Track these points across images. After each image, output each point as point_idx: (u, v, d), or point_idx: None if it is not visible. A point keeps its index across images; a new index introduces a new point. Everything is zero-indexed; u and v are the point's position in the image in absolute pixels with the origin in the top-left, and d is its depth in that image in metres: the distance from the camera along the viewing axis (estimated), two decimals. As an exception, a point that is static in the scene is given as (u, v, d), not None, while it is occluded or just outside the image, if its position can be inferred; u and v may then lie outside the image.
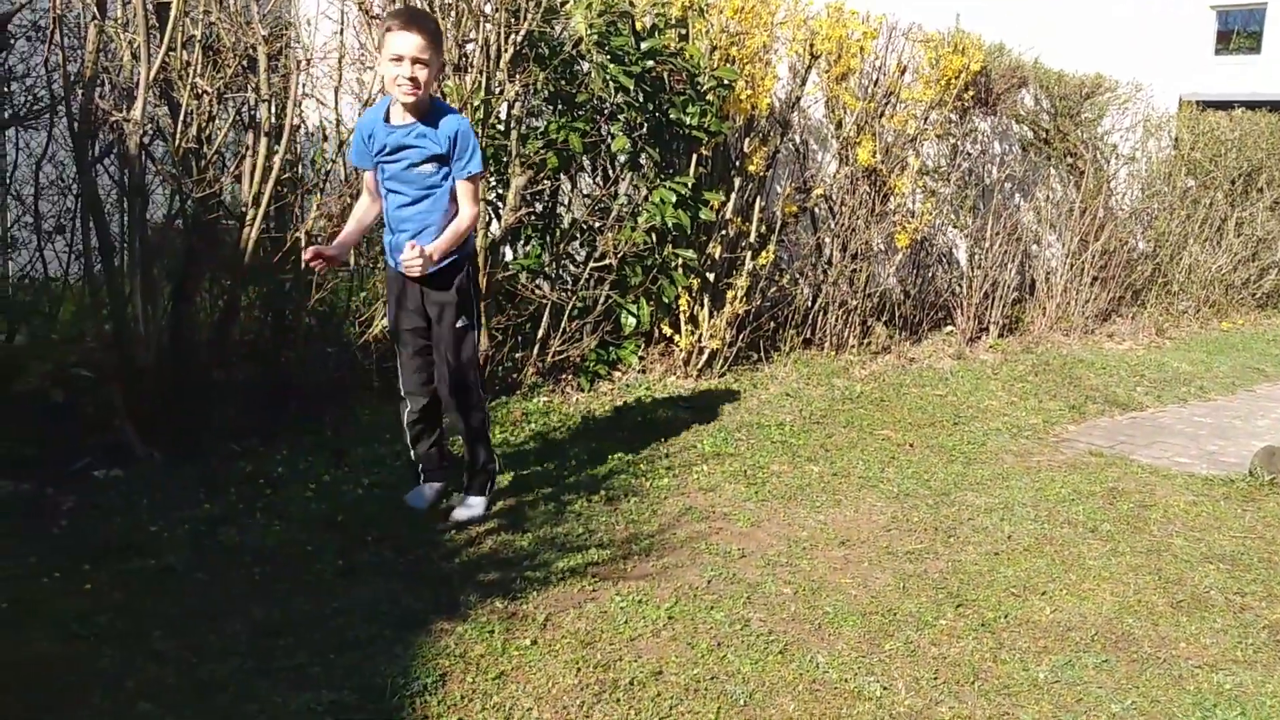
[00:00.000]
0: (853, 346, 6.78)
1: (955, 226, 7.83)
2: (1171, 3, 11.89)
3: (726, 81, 5.59)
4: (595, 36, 5.03)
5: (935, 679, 2.81)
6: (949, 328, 7.54)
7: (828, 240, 6.84)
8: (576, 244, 5.55)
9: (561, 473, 4.21)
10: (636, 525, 3.76)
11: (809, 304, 6.70)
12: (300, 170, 4.77)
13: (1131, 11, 11.29)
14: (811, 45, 6.32)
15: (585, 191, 5.67)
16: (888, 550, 3.70)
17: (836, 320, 6.73)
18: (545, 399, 5.08)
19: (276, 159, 4.28)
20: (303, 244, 4.24)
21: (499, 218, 5.09)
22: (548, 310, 5.23)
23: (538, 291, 5.24)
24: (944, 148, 7.59)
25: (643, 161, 5.55)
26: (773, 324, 6.47)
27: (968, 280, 7.51)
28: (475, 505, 3.70)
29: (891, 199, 6.87)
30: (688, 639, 2.92)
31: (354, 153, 3.52)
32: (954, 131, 7.57)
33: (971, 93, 7.32)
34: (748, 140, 6.03)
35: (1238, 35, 30.26)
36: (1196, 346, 8.30)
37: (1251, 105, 11.36)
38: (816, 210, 6.88)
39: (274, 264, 4.35)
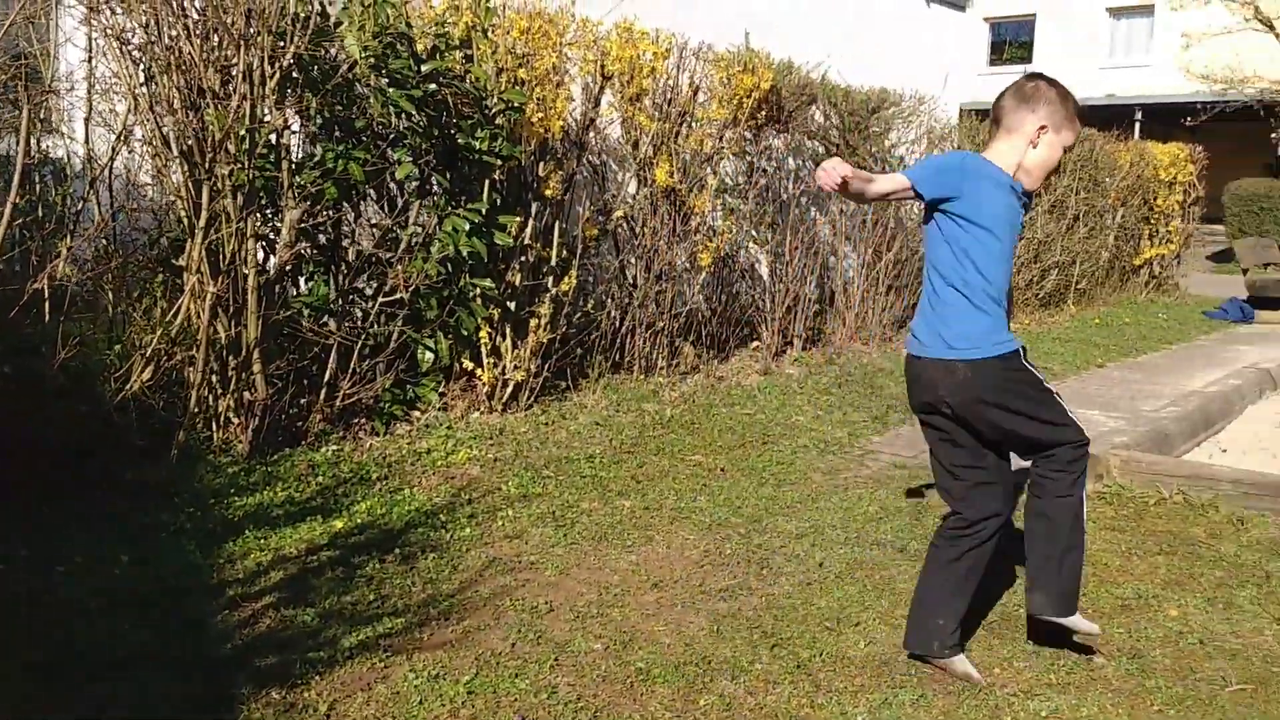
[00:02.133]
0: (662, 368, 6.68)
1: (756, 243, 7.87)
2: (950, 15, 12.39)
3: (516, 104, 5.39)
4: (371, 59, 4.75)
5: (753, 733, 2.67)
6: (755, 343, 7.55)
7: (632, 261, 6.73)
8: (365, 278, 5.23)
9: (352, 531, 3.90)
10: (435, 585, 3.50)
11: (616, 327, 6.57)
12: (42, 211, 4.30)
13: (913, 24, 11.71)
14: (603, 66, 6.19)
15: (372, 221, 5.36)
16: (701, 589, 3.56)
17: (644, 342, 6.62)
18: (335, 447, 4.74)
19: (10, 200, 3.82)
20: (45, 295, 3.80)
21: (273, 253, 4.73)
22: (335, 350, 4.90)
23: (323, 330, 4.90)
24: (741, 165, 7.61)
25: (433, 188, 5.29)
26: (580, 350, 6.30)
27: (770, 295, 7.54)
28: None
29: (693, 218, 6.82)
30: (489, 717, 2.68)
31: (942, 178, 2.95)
32: (749, 149, 7.60)
33: (764, 111, 7.36)
34: (543, 164, 5.85)
35: (1010, 46, 32.28)
36: (989, 349, 8.61)
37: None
38: (619, 232, 6.77)
39: (11, 318, 3.88)
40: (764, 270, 7.92)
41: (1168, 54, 25.34)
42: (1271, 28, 21.69)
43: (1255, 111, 22.55)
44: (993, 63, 31.74)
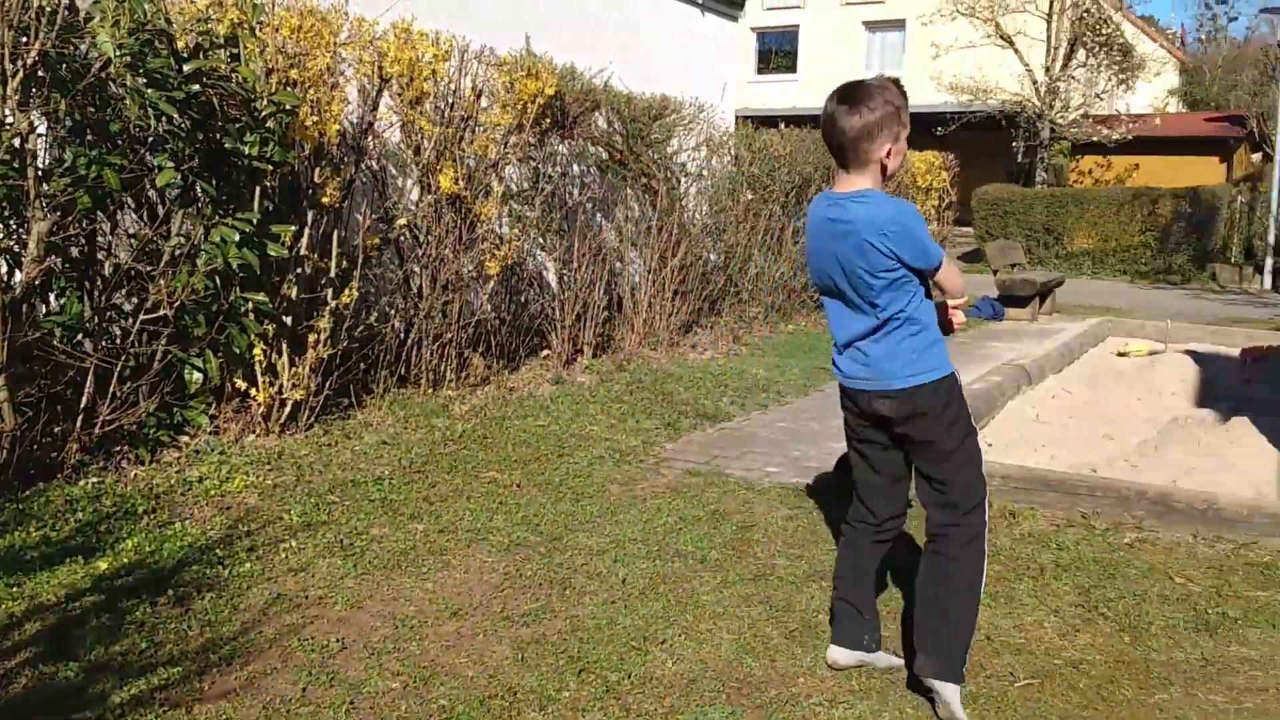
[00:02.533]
0: (451, 381, 6.50)
1: (543, 249, 7.79)
2: (724, 25, 12.69)
3: (288, 106, 5.10)
4: (126, 57, 4.37)
5: (564, 767, 2.58)
6: (545, 352, 7.47)
7: (416, 271, 6.51)
8: (124, 293, 4.82)
9: (118, 571, 3.57)
10: (214, 628, 3.23)
11: (401, 340, 6.34)
12: None
13: (689, 33, 11.93)
14: (380, 68, 5.96)
15: (131, 232, 4.95)
16: (503, 615, 3.44)
17: (432, 354, 6.42)
18: (95, 479, 4.34)
19: None
20: None
21: (20, 268, 4.29)
22: (92, 372, 4.49)
23: (79, 351, 4.47)
24: (526, 171, 7.52)
25: (198, 196, 4.93)
26: (363, 365, 6.04)
27: (560, 302, 7.48)
28: None
29: (479, 225, 6.66)
30: (281, 774, 2.49)
31: None
32: (535, 155, 7.51)
33: (549, 117, 7.29)
34: (318, 170, 5.57)
35: (775, 55, 33.56)
36: (770, 351, 8.85)
37: (793, 120, 12.44)
38: (402, 241, 6.53)
39: None
40: (552, 278, 7.86)
41: (920, 66, 26.93)
42: (1010, 44, 23.40)
43: (998, 121, 24.30)
44: (760, 71, 32.92)
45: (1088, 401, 7.51)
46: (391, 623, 3.36)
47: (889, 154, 2.83)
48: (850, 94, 2.82)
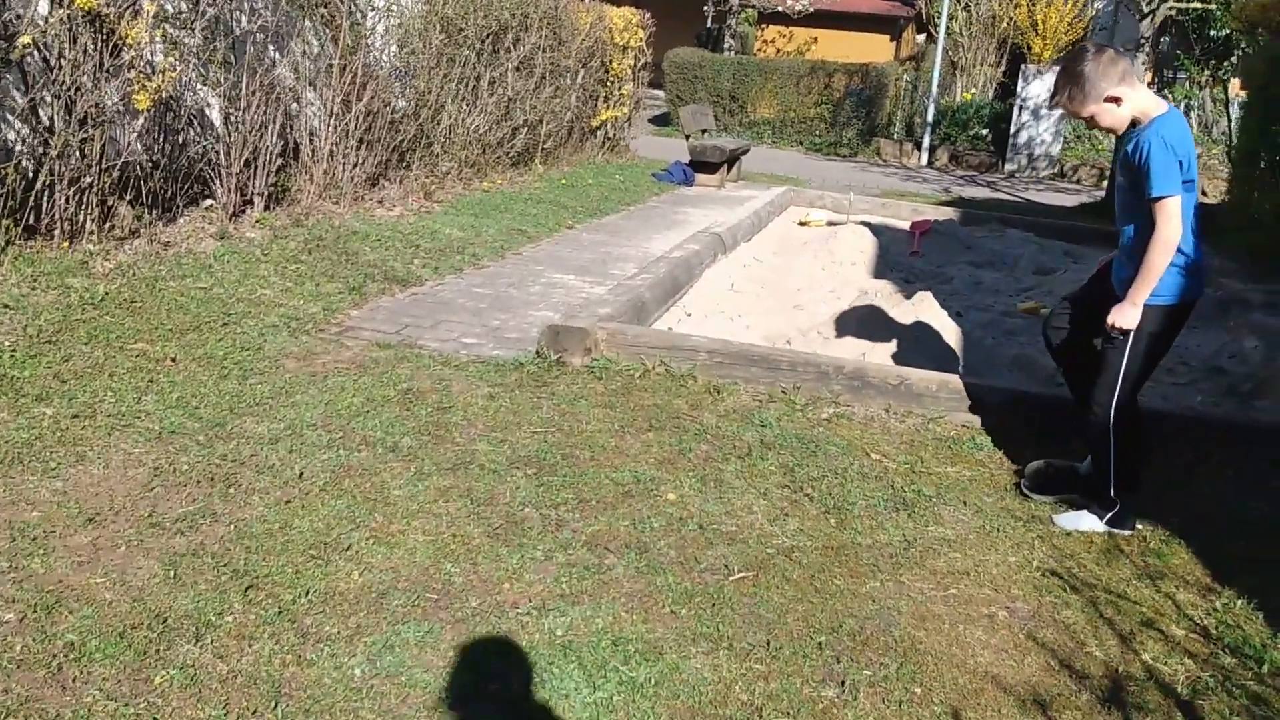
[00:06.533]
0: (92, 233, 5.56)
1: (206, 84, 6.81)
2: None
3: None
4: None
5: (249, 710, 2.17)
6: (208, 202, 6.60)
7: (47, 101, 5.44)
8: None
9: None
10: None
11: (29, 182, 5.32)
12: None
13: None
14: None
15: None
16: (151, 521, 2.91)
17: (68, 201, 5.44)
18: None
19: None
20: None
21: None
22: None
23: None
24: (183, -11, 6.46)
25: None
26: (-25, 211, 5.02)
27: (226, 146, 6.59)
28: None
29: (125, 50, 5.65)
30: None
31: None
32: (193, -30, 6.46)
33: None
34: (-97, -37, 4.43)
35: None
36: (464, 210, 8.35)
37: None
38: (27, 63, 5.43)
39: None
40: (216, 117, 6.91)
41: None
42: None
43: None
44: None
45: (777, 270, 7.61)
46: (7, 533, 2.75)
47: None
48: None
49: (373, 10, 8.47)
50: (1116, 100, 3.33)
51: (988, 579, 3.03)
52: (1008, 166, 18.45)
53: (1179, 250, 3.28)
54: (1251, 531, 3.50)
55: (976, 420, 4.29)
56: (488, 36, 9.84)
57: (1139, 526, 3.47)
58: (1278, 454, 4.08)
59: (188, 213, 6.45)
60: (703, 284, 6.74)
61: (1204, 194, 17.93)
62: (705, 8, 25.08)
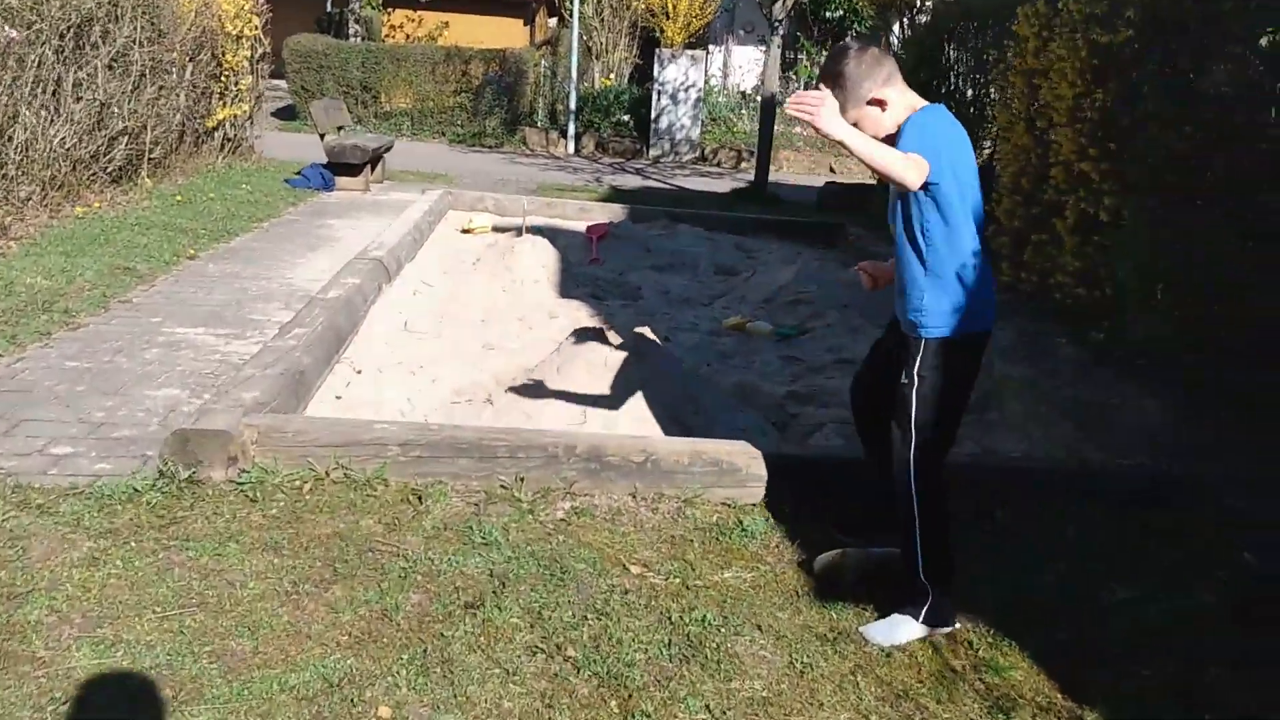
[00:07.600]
0: None
1: None
2: None
3: None
4: None
5: None
6: None
7: None
8: None
9: None
10: None
11: None
12: None
13: None
14: None
15: None
16: None
17: None
18: None
19: None
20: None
21: None
22: None
23: None
24: None
25: None
26: None
27: None
28: None
29: None
30: None
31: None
32: None
33: None
34: None
35: None
36: (52, 246, 6.66)
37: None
38: None
39: None
40: None
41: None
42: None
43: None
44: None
45: (453, 296, 6.64)
46: None
47: None
48: None
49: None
50: (881, 104, 2.77)
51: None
52: (652, 152, 18.39)
53: (956, 277, 2.73)
54: (1075, 609, 3.02)
55: (737, 494, 3.59)
56: (69, 30, 8.06)
57: (958, 625, 2.89)
58: (1047, 494, 3.70)
59: None
60: (370, 326, 5.64)
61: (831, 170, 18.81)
62: (324, -10, 23.28)
